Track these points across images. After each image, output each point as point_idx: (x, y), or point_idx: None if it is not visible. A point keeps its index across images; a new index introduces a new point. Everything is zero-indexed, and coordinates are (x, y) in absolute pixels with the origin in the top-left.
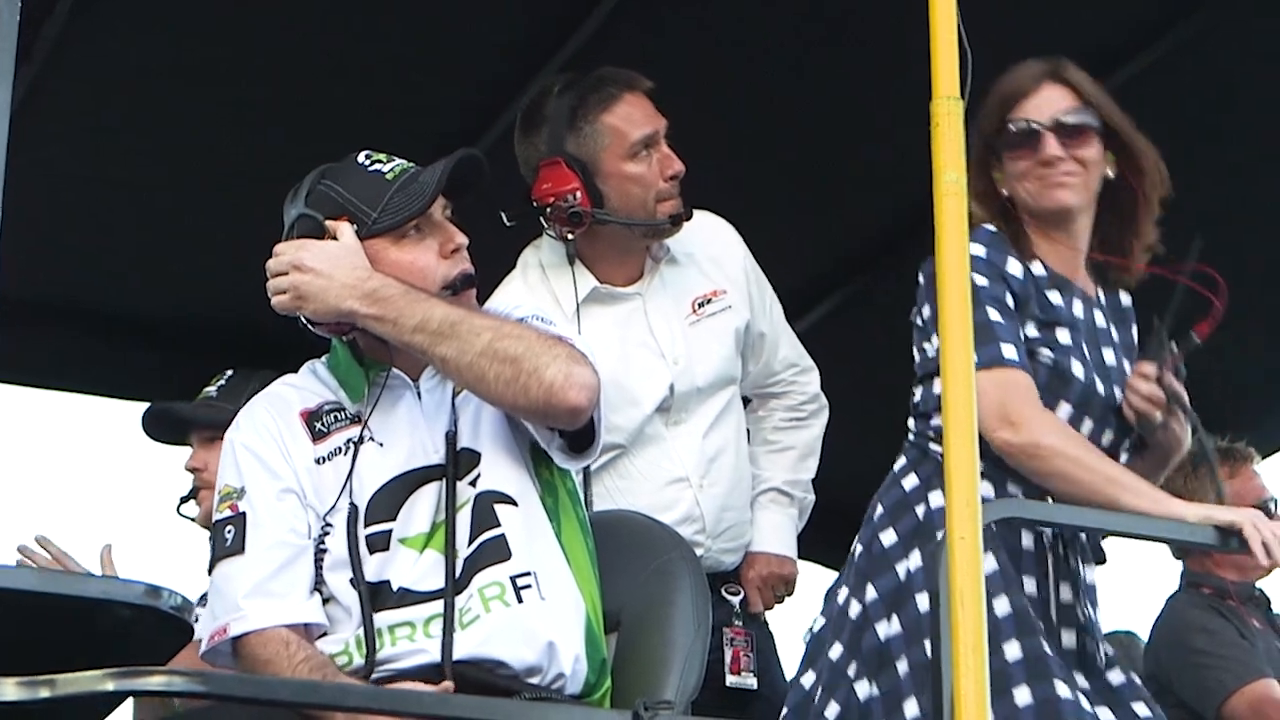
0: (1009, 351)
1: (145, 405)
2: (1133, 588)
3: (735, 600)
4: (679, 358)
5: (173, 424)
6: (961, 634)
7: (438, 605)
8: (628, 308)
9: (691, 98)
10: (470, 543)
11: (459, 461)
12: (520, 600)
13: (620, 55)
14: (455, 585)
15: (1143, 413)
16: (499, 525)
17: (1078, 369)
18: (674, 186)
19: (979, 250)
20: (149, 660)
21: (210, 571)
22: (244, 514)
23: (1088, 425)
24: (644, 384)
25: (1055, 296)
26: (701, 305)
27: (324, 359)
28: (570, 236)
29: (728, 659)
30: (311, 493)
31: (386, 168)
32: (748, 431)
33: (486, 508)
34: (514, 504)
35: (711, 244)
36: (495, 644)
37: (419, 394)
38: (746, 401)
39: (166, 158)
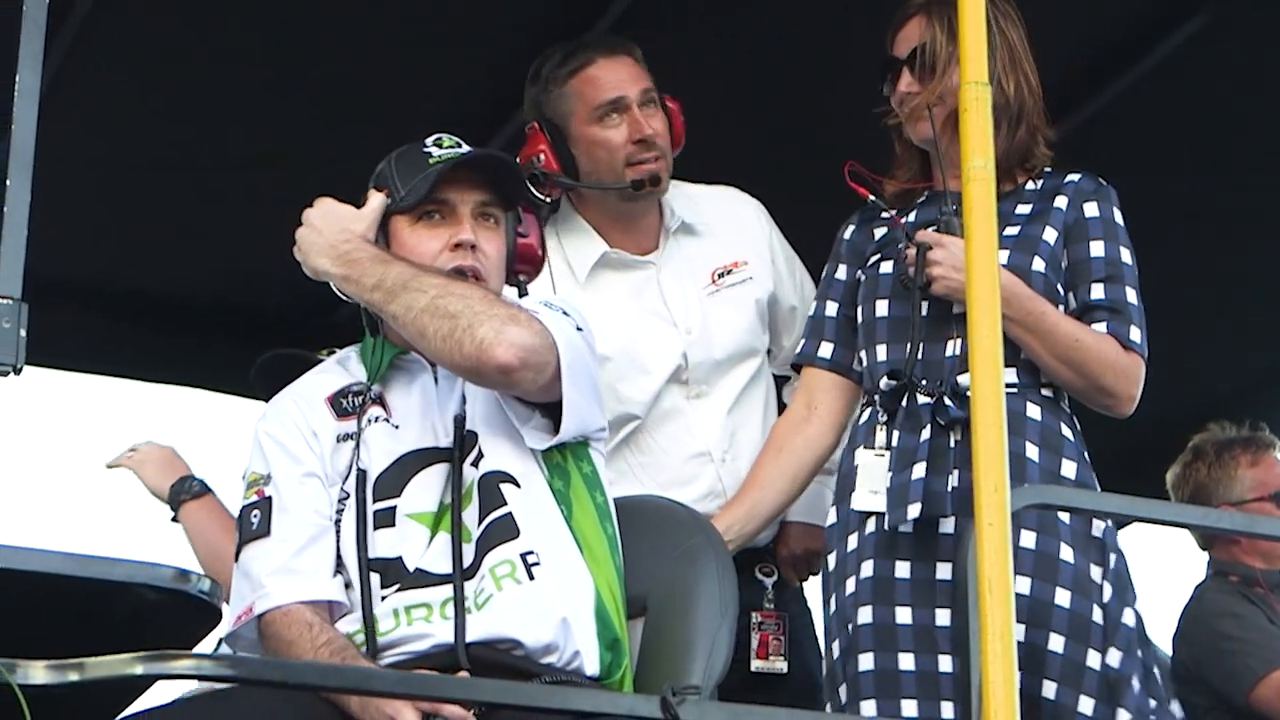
0: (808, 346)
1: (178, 388)
2: (1156, 576)
3: (769, 582)
4: (692, 327)
5: (291, 369)
6: (990, 621)
7: (450, 588)
8: (641, 276)
9: (718, 80)
10: (480, 523)
11: (465, 444)
12: (532, 577)
13: (647, 43)
14: (465, 570)
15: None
16: (505, 504)
17: (888, 267)
18: (641, 150)
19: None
20: (177, 644)
21: (237, 557)
22: (269, 498)
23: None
24: (654, 352)
25: (914, 214)
26: (721, 276)
27: (356, 349)
28: (548, 199)
29: (754, 643)
30: (334, 471)
31: (438, 152)
32: (782, 406)
33: (492, 487)
34: (516, 484)
35: (735, 216)
36: (509, 622)
37: (436, 378)
38: (782, 383)
39: (194, 140)
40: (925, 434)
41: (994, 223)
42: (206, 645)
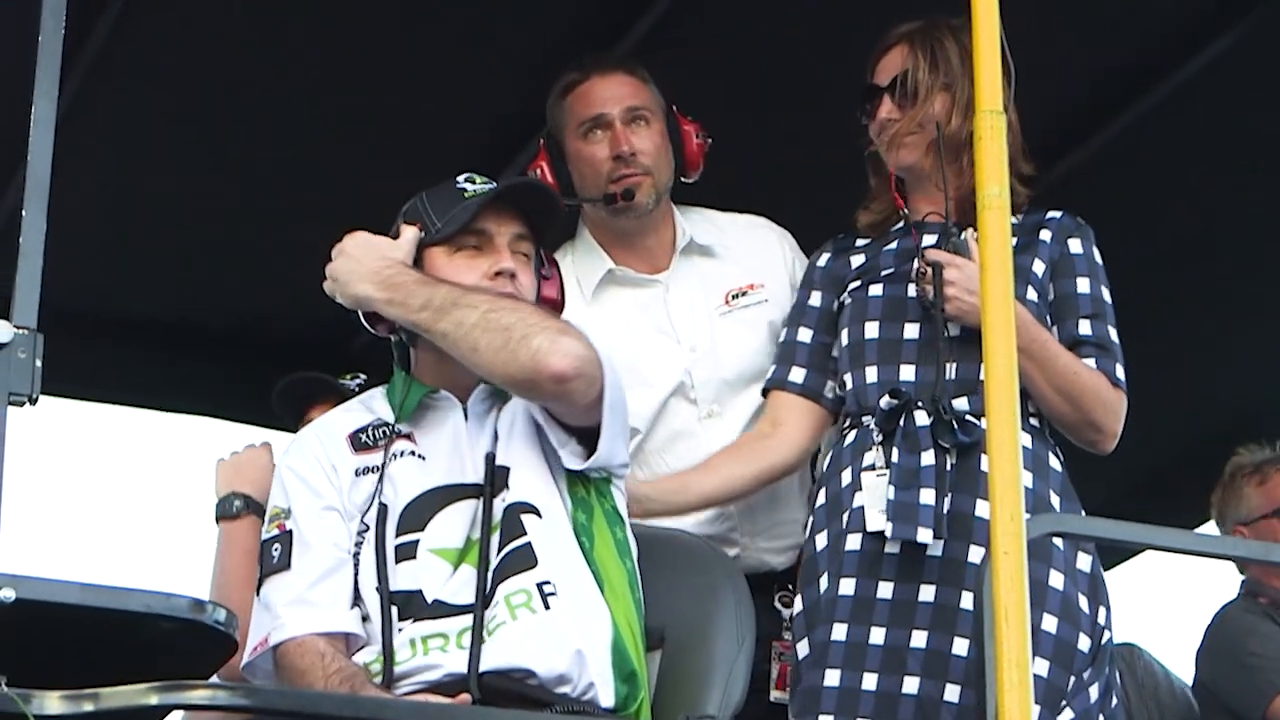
0: (779, 371)
1: (194, 417)
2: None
3: (788, 613)
4: (697, 345)
5: (310, 391)
6: (1006, 650)
7: (469, 618)
8: (648, 294)
9: (741, 98)
10: (499, 551)
11: (495, 480)
12: (548, 607)
13: (670, 59)
14: (485, 601)
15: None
16: (525, 534)
17: (877, 289)
18: (619, 166)
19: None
20: (193, 674)
21: (259, 590)
22: (290, 532)
23: (906, 326)
24: (655, 367)
25: (894, 242)
26: (736, 297)
27: (382, 389)
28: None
29: (774, 673)
30: (353, 505)
31: (471, 187)
32: None
33: (514, 518)
34: (538, 514)
35: (758, 241)
36: (523, 652)
37: (466, 415)
38: None
39: (208, 168)
40: (929, 456)
41: (1009, 250)
42: None
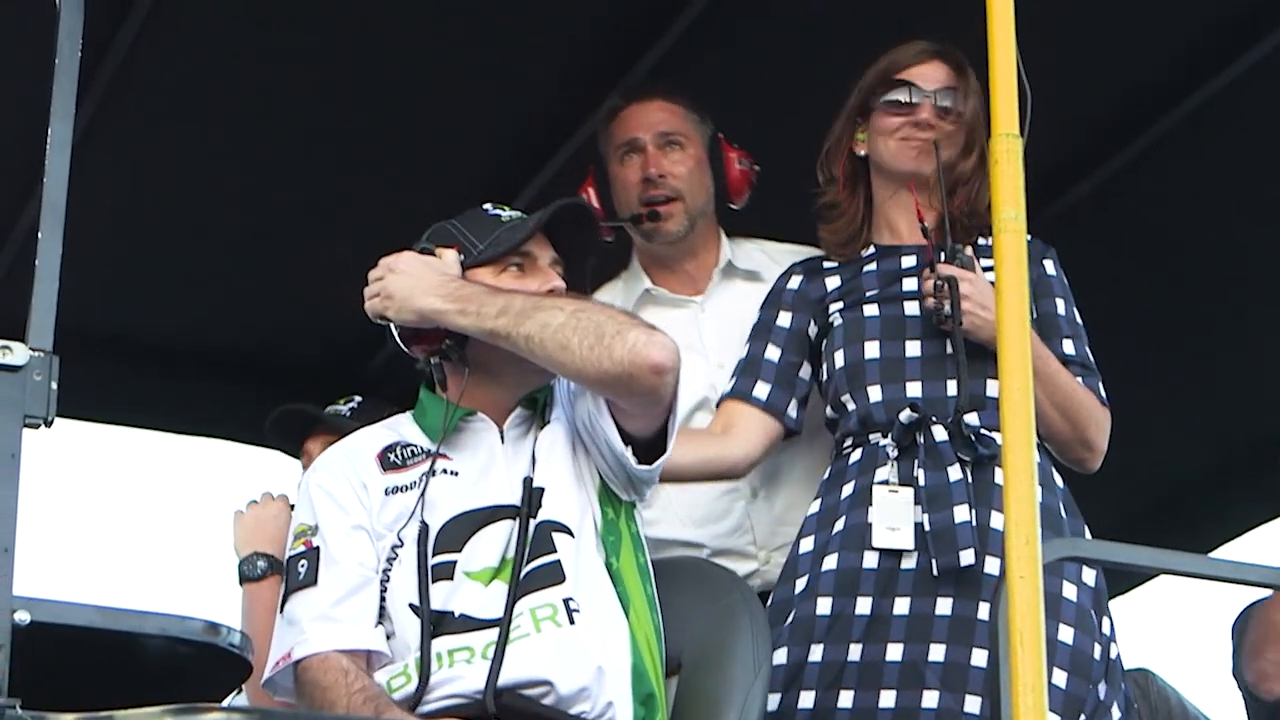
0: (742, 383)
1: (209, 440)
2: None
3: None
4: (725, 362)
5: (302, 423)
6: (1021, 674)
7: (495, 632)
8: (683, 313)
9: (759, 121)
10: (527, 564)
11: (531, 502)
12: (572, 622)
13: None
14: (512, 614)
15: (928, 306)
16: (555, 551)
17: (872, 310)
18: (648, 188)
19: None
20: (208, 697)
21: (283, 606)
22: (317, 549)
23: (907, 345)
24: (681, 381)
25: (872, 264)
26: None
27: (409, 414)
28: (608, 237)
29: None
30: (381, 524)
31: (504, 214)
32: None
33: (544, 535)
34: (570, 534)
35: None
36: (544, 663)
37: (503, 437)
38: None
39: (228, 190)
40: (955, 471)
41: (1025, 272)
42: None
